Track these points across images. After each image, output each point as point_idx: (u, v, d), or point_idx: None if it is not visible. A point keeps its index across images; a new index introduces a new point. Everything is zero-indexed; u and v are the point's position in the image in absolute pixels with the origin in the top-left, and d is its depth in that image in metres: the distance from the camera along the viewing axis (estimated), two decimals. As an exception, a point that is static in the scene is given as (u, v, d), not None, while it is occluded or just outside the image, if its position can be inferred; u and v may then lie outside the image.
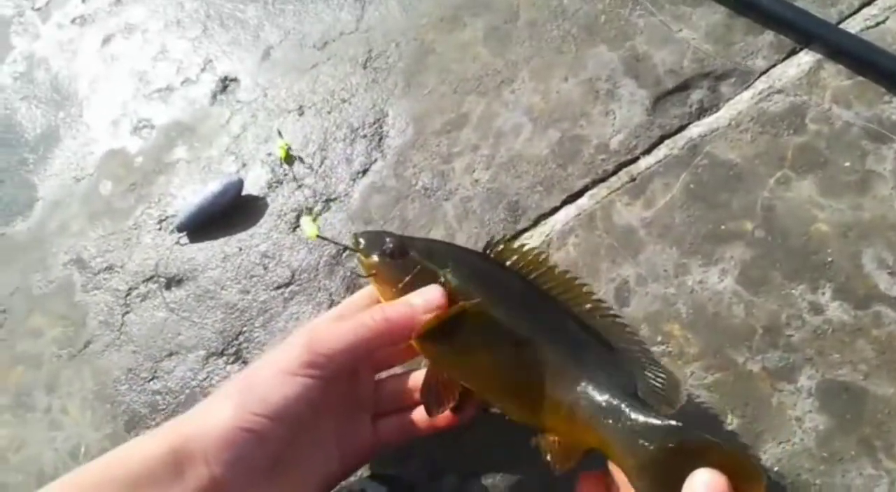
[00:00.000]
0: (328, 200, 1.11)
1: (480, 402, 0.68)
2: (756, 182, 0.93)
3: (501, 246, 0.65)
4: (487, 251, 0.66)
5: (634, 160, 1.00)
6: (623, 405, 0.57)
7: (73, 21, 1.50)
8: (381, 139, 1.14)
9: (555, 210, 1.00)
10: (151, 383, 1.07)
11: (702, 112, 1.00)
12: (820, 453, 0.77)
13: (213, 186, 1.13)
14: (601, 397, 0.58)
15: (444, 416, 0.67)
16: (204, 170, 1.21)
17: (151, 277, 1.15)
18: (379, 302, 0.68)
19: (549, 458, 0.59)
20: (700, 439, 0.55)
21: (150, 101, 1.33)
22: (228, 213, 1.12)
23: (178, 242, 1.16)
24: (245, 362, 1.01)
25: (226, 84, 1.29)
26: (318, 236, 0.93)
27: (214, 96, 1.28)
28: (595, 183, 1.00)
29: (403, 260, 0.65)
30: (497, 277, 0.64)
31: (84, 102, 1.39)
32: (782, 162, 0.93)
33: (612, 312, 0.63)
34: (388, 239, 0.67)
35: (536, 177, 1.03)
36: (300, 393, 0.57)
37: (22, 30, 1.55)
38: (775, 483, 0.77)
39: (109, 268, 1.19)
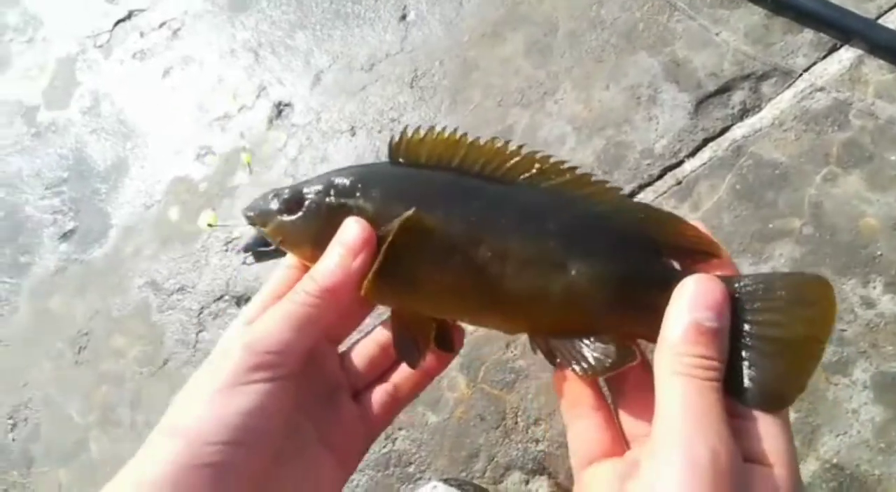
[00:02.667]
0: (384, 216, 1.16)
1: (459, 326, 0.56)
2: (802, 180, 0.95)
3: (405, 143, 0.51)
4: (393, 157, 0.52)
5: (679, 164, 1.03)
6: (633, 273, 0.46)
7: (133, 56, 1.59)
8: (430, 155, 1.19)
9: (603, 216, 1.03)
10: (227, 396, 1.14)
11: (744, 113, 1.02)
12: (877, 444, 0.79)
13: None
14: (598, 270, 0.46)
15: (434, 358, 0.56)
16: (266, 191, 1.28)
17: (222, 297, 1.22)
18: (307, 270, 0.53)
19: (570, 364, 0.47)
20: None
21: (210, 129, 1.40)
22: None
23: (244, 262, 1.22)
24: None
25: (280, 109, 1.35)
26: (209, 225, 0.84)
27: (270, 121, 1.35)
28: (641, 188, 1.03)
29: (303, 210, 0.52)
30: (416, 179, 0.51)
31: (149, 133, 1.47)
32: (828, 159, 0.95)
33: (568, 166, 0.49)
34: (277, 194, 0.53)
35: (583, 184, 1.06)
36: (256, 403, 0.45)
37: (86, 67, 1.65)
38: (835, 475, 0.79)
39: (182, 289, 1.27)
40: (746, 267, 0.93)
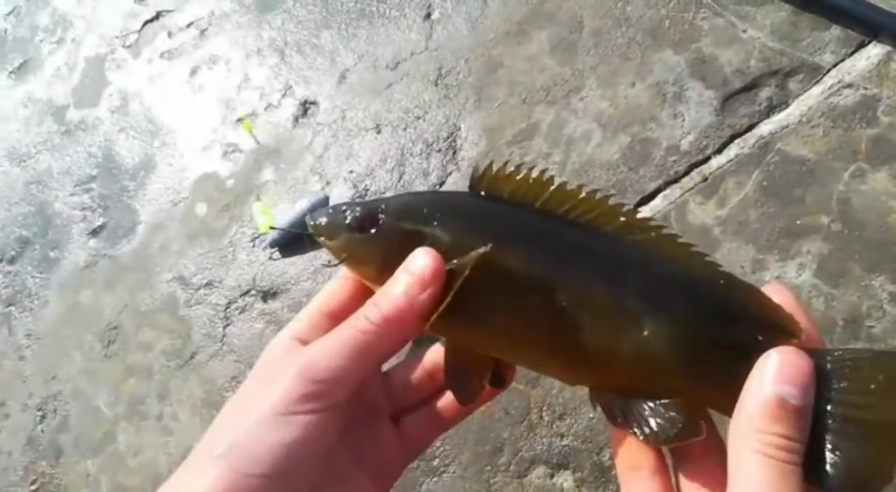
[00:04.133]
0: (409, 213, 1.17)
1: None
2: (830, 176, 0.95)
3: (489, 176, 0.49)
4: (474, 188, 0.50)
5: (706, 160, 1.03)
6: (709, 338, 0.45)
7: (161, 55, 1.61)
8: (455, 152, 1.20)
9: (629, 212, 1.03)
10: (253, 389, 1.16)
11: (771, 110, 1.02)
12: (908, 441, 0.78)
13: (301, 205, 1.20)
14: (675, 331, 0.45)
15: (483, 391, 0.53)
16: (291, 189, 1.29)
17: (248, 292, 1.24)
18: (363, 287, 0.53)
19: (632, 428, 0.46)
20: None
21: (236, 127, 1.42)
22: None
23: (270, 258, 1.24)
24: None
25: (306, 107, 1.37)
26: (271, 228, 0.80)
27: (296, 120, 1.36)
28: (667, 184, 1.03)
29: (375, 229, 0.50)
30: (498, 214, 0.50)
31: (176, 131, 1.50)
32: (856, 155, 0.95)
33: (654, 223, 0.48)
34: (349, 209, 0.51)
35: (609, 181, 1.06)
36: (303, 436, 0.44)
37: (115, 66, 1.67)
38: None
39: (209, 284, 1.28)
40: (773, 263, 0.92)
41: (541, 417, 0.97)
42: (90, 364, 1.33)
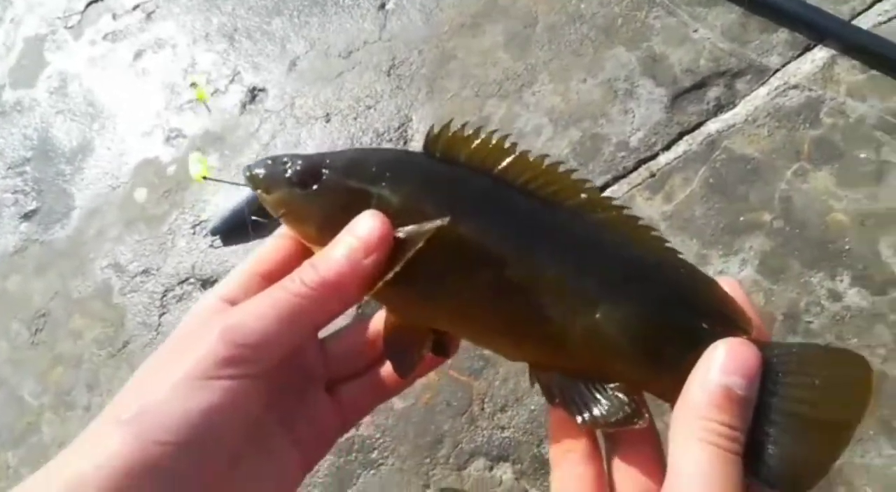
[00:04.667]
0: (356, 202, 1.15)
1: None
2: (773, 175, 0.96)
3: (446, 137, 0.46)
4: (430, 149, 0.46)
5: (654, 156, 1.03)
6: (664, 325, 0.44)
7: (104, 37, 1.56)
8: (405, 143, 1.18)
9: (577, 206, 1.03)
10: (188, 380, 1.11)
11: (719, 109, 1.03)
12: (843, 435, 0.79)
13: (245, 192, 1.17)
14: (628, 316, 0.44)
15: (425, 361, 0.50)
16: (235, 177, 1.25)
17: (187, 279, 1.20)
18: (302, 248, 0.50)
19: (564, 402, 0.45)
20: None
21: (181, 112, 1.38)
22: (260, 217, 1.15)
23: (211, 246, 1.20)
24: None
25: (254, 94, 1.33)
26: (205, 178, 0.76)
27: (244, 106, 1.33)
28: (616, 179, 1.03)
29: (318, 185, 0.47)
30: (452, 179, 0.46)
31: (118, 115, 1.44)
32: (799, 155, 0.96)
33: (616, 203, 0.46)
34: (291, 161, 0.48)
35: (558, 175, 1.06)
36: (222, 403, 0.40)
37: (55, 47, 1.61)
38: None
39: (146, 271, 1.24)
40: (717, 258, 0.93)
41: (482, 409, 0.96)
42: (15, 352, 1.27)
